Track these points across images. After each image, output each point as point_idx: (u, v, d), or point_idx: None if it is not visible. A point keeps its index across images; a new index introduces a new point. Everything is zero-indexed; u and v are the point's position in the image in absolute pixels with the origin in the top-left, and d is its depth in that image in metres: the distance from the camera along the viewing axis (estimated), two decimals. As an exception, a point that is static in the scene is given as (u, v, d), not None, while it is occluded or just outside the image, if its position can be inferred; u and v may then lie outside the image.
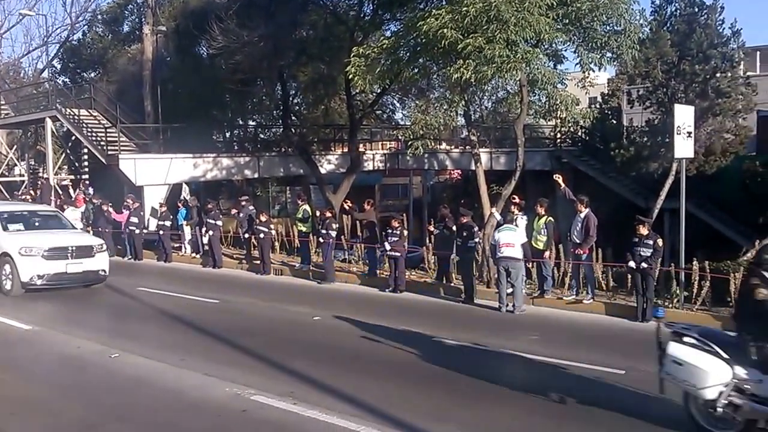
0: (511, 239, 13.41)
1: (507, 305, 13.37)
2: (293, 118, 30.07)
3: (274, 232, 19.14)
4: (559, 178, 14.97)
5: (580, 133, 33.46)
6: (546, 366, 9.71)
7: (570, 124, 24.76)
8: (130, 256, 20.80)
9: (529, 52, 13.95)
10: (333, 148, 31.91)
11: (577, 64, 15.29)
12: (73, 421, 7.54)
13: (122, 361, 9.81)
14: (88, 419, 7.59)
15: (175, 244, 21.18)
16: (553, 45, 15.38)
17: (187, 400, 8.19)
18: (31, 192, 26.90)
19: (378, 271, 16.68)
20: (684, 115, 13.57)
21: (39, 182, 28.82)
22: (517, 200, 15.23)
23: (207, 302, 14.30)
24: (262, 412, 7.67)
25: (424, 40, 14.74)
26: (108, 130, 25.73)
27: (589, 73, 15.43)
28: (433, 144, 24.09)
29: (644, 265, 12.38)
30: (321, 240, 16.99)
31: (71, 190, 26.36)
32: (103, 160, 24.79)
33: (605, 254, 15.01)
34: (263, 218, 18.28)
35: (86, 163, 30.05)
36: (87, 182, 28.13)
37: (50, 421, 7.53)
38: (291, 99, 30.31)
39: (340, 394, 8.24)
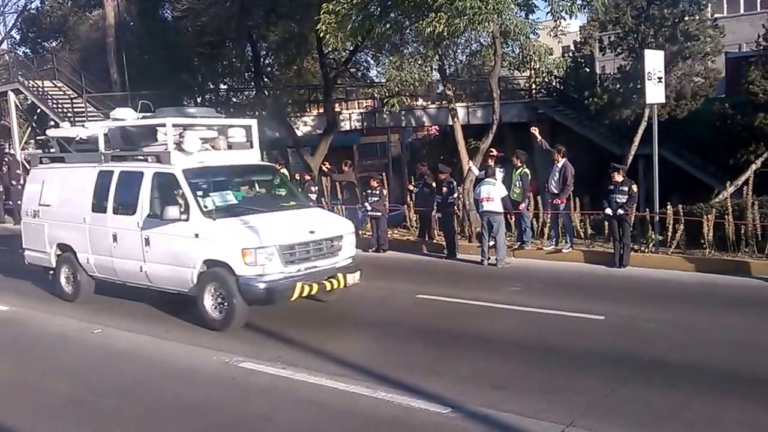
0: (491, 193, 13.45)
1: (489, 258, 13.48)
2: (266, 80, 29.65)
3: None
4: (535, 130, 14.98)
5: (554, 84, 33.42)
6: (529, 316, 9.87)
7: (544, 75, 24.68)
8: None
9: (501, 2, 13.81)
10: (308, 110, 31.62)
11: (548, 12, 15.21)
12: (62, 399, 7.53)
13: (106, 337, 9.77)
14: (77, 396, 7.58)
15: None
16: (525, -6, 15.25)
17: (176, 372, 8.21)
18: (-3, 167, 26.40)
19: (360, 232, 16.66)
20: (654, 60, 13.56)
21: (5, 158, 28.24)
22: (494, 153, 15.23)
23: (189, 271, 14.21)
24: (252, 378, 7.72)
25: (395, -6, 14.54)
26: (74, 100, 25.29)
27: (560, 22, 15.33)
28: (409, 101, 24.02)
29: (620, 211, 12.51)
30: (301, 203, 16.89)
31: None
32: (73, 132, 24.32)
33: (582, 203, 15.15)
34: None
35: (55, 136, 29.48)
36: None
37: (39, 401, 7.50)
38: (262, 60, 29.82)
39: (328, 355, 8.31)
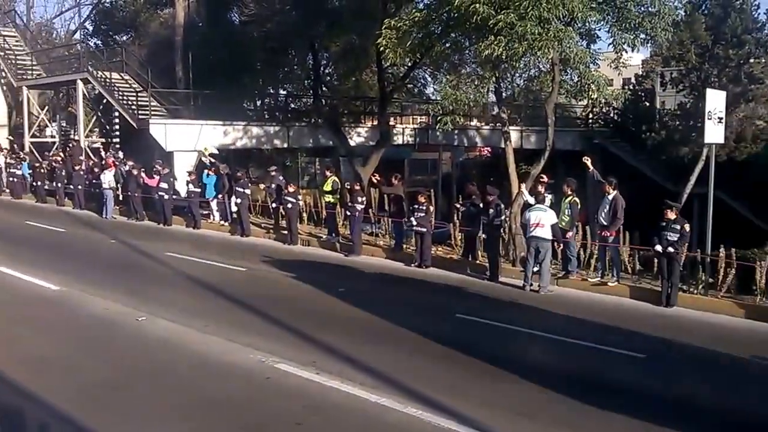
0: (542, 219, 13.38)
1: (532, 284, 13.39)
2: (324, 88, 30.07)
3: (301, 202, 19.27)
4: (587, 160, 14.85)
5: (612, 114, 33.11)
6: (567, 346, 9.76)
7: (602, 105, 24.49)
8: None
9: (562, 31, 13.79)
10: (363, 121, 31.90)
11: (610, 44, 15.10)
12: (99, 380, 7.77)
13: (149, 324, 10.04)
14: (114, 380, 7.81)
15: (204, 211, 21.43)
16: (587, 24, 15.18)
17: (212, 365, 8.38)
18: (61, 154, 27.27)
19: (404, 246, 16.76)
20: (716, 99, 13.34)
21: (70, 144, 29.17)
22: (545, 180, 15.15)
23: (233, 270, 14.51)
24: (285, 380, 7.84)
25: (456, 15, 14.63)
26: (139, 94, 25.93)
27: (622, 54, 15.22)
28: (463, 120, 23.98)
29: (670, 249, 12.29)
30: (348, 213, 17.10)
31: (102, 153, 26.69)
32: (134, 124, 25.02)
33: (632, 237, 14.91)
34: (291, 189, 18.40)
35: (117, 127, 30.34)
36: (117, 146, 28.46)
37: (77, 380, 7.77)
38: (322, 69, 30.26)
39: (361, 365, 8.38)
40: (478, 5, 13.64)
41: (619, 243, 13.84)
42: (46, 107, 34.62)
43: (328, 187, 18.98)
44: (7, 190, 27.21)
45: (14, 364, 8.08)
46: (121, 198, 22.67)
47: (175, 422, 6.72)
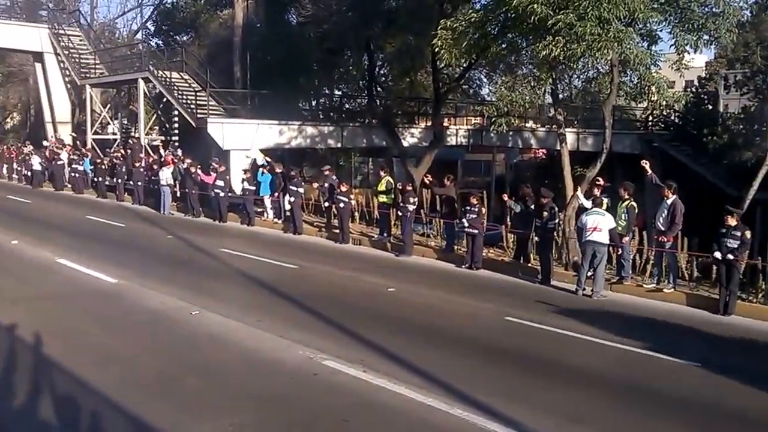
0: (600, 224, 13.14)
1: (584, 289, 13.16)
2: (378, 89, 30.20)
3: (354, 202, 19.37)
4: (646, 164, 14.53)
5: (672, 117, 32.31)
6: (619, 352, 9.54)
7: (662, 108, 23.91)
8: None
9: (622, 31, 13.52)
10: (417, 122, 31.90)
11: (671, 45, 14.74)
12: (151, 373, 7.95)
13: (202, 318, 10.23)
14: (167, 372, 7.98)
15: (258, 208, 21.73)
16: (648, 24, 14.86)
17: (262, 361, 8.49)
18: (122, 151, 28.02)
19: (455, 247, 16.68)
20: (783, 103, 12.90)
21: (130, 141, 29.97)
22: (601, 183, 14.88)
23: (286, 267, 14.66)
24: (333, 378, 7.88)
25: (513, 15, 14.48)
26: (198, 93, 26.46)
27: (684, 56, 14.84)
28: (518, 122, 23.79)
29: (730, 256, 11.91)
30: (400, 213, 17.11)
31: (161, 151, 27.34)
32: (193, 123, 25.55)
33: (691, 243, 14.51)
34: (344, 188, 18.52)
35: (176, 125, 31.03)
36: (176, 144, 29.09)
37: (130, 372, 7.96)
38: (377, 70, 30.40)
39: (409, 365, 8.36)
40: (536, 5, 13.48)
41: (676, 249, 13.48)
42: (108, 105, 35.65)
43: (382, 187, 19.03)
44: (70, 186, 28.12)
45: (72, 355, 8.34)
46: (178, 195, 23.19)
47: (225, 416, 6.82)
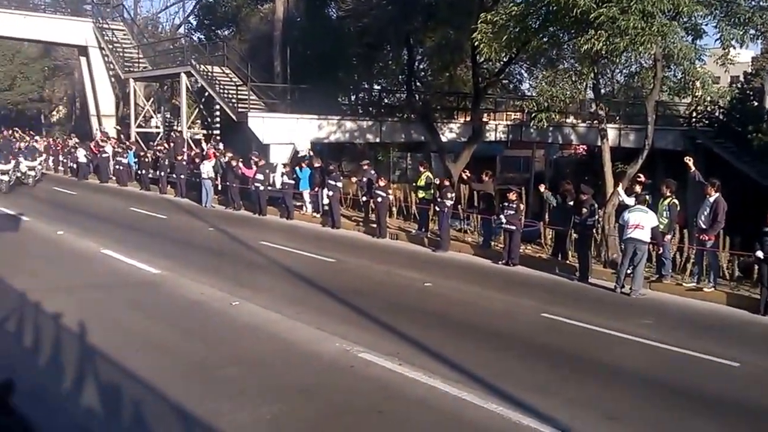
0: (643, 221, 12.96)
1: (623, 287, 13.02)
2: (418, 83, 30.17)
3: (391, 197, 19.43)
4: (689, 160, 14.28)
5: (717, 114, 31.64)
6: (657, 351, 9.44)
7: (706, 104, 23.43)
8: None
9: (666, 25, 13.29)
10: (456, 117, 31.78)
11: (717, 40, 14.45)
12: (192, 362, 8.13)
13: (242, 309, 10.41)
14: (207, 361, 8.15)
15: (297, 202, 21.93)
16: (693, 18, 14.59)
17: (299, 352, 8.61)
18: (165, 144, 28.47)
19: (492, 243, 16.63)
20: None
21: (173, 135, 30.43)
22: (642, 180, 14.67)
23: (323, 260, 14.80)
24: (368, 370, 7.96)
25: (555, 8, 14.33)
26: (239, 87, 26.74)
27: (729, 50, 14.52)
28: (558, 117, 23.55)
29: (773, 256, 11.68)
30: (437, 208, 17.12)
31: (203, 144, 27.72)
32: (234, 117, 25.84)
33: (733, 242, 14.24)
34: (382, 183, 18.59)
35: (217, 119, 31.42)
36: (218, 137, 29.47)
37: (171, 360, 8.16)
38: (416, 64, 30.37)
39: (443, 359, 8.40)
40: (578, -2, 13.35)
41: (718, 247, 13.25)
42: (152, 99, 36.22)
43: (421, 183, 19.06)
44: (114, 178, 28.71)
45: (115, 343, 8.56)
46: (219, 188, 23.52)
47: (261, 404, 6.95)
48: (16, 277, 11.63)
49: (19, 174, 25.11)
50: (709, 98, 15.57)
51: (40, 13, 34.11)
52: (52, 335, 8.78)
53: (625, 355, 9.29)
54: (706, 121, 32.68)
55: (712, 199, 13.08)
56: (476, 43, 16.39)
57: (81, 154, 29.90)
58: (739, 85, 30.64)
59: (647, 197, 13.89)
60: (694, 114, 32.78)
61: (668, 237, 13.67)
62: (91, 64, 34.41)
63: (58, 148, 34.20)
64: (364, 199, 19.97)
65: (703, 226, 13.10)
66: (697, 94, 16.07)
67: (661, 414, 7.23)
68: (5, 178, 23.78)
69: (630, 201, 14.10)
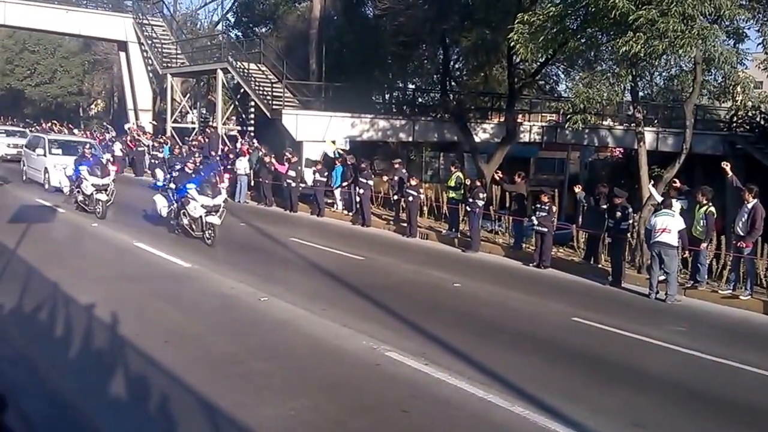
0: (668, 224, 12.74)
1: (657, 293, 12.80)
2: (452, 83, 30.05)
3: (423, 196, 19.38)
4: (727, 165, 13.98)
5: (758, 119, 30.98)
6: (690, 359, 9.25)
7: (747, 108, 22.97)
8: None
9: (707, 29, 13.07)
10: (490, 117, 31.61)
11: (759, 44, 14.16)
12: (220, 355, 8.17)
13: (270, 305, 10.44)
14: (235, 355, 8.18)
15: (329, 200, 21.99)
16: (734, 22, 14.31)
17: (326, 348, 8.60)
18: (200, 139, 28.74)
19: (524, 245, 16.49)
20: None
21: (208, 130, 30.74)
22: (678, 184, 14.42)
23: (353, 258, 14.80)
24: (394, 369, 7.92)
25: (593, 9, 14.20)
26: (274, 85, 26.93)
27: (773, 55, 14.24)
28: (594, 119, 23.26)
29: (813, 265, 11.39)
30: (468, 209, 17.03)
31: (238, 140, 27.95)
32: (268, 114, 26.02)
33: (772, 250, 13.92)
34: (413, 182, 18.56)
35: (252, 116, 31.66)
36: (252, 134, 29.70)
37: (201, 353, 8.20)
38: (452, 64, 30.24)
39: (471, 360, 8.33)
40: (618, 0, 13.17)
41: (755, 255, 12.96)
42: (188, 94, 36.68)
43: (452, 183, 19.00)
44: (149, 172, 29.07)
45: (145, 334, 8.65)
46: (252, 184, 23.68)
47: (287, 399, 6.95)
48: (50, 267, 11.81)
49: (80, 197, 18.33)
50: (750, 103, 15.27)
51: (81, 8, 34.76)
52: (84, 325, 8.88)
53: (656, 362, 9.12)
54: (747, 126, 32.01)
55: (750, 206, 12.80)
56: (512, 44, 16.30)
57: (117, 148, 30.34)
58: (782, 91, 29.94)
59: (674, 201, 13.61)
60: (735, 119, 32.15)
61: (704, 245, 13.40)
62: (130, 59, 34.96)
63: (96, 141, 34.72)
64: (396, 197, 19.95)
65: (741, 233, 12.83)
66: (737, 98, 15.78)
67: (691, 424, 7.08)
68: (103, 197, 17.54)
69: (660, 198, 13.87)
